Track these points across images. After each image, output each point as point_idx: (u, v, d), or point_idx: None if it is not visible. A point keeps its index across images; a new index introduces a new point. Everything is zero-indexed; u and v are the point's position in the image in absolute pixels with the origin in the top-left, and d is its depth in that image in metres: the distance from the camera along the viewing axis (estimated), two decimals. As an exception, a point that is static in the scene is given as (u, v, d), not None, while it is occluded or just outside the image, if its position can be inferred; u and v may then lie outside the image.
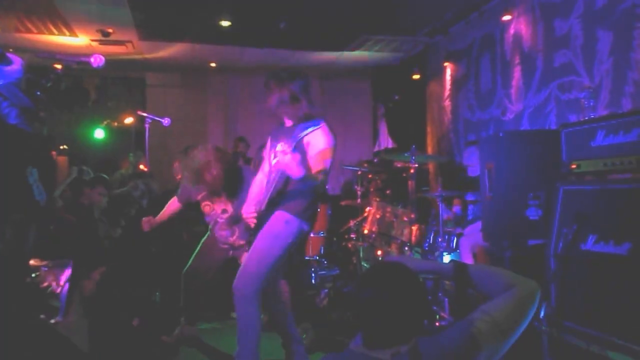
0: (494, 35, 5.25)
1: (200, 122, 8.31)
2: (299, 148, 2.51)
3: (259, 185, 2.91)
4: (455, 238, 4.12)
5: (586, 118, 2.70)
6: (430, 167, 6.59)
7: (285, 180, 2.63)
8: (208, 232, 3.75)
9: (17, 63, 2.57)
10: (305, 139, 2.56)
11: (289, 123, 2.79)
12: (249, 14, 5.56)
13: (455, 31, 6.02)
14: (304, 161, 2.52)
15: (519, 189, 2.98)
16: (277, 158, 2.59)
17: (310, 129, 2.44)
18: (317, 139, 2.59)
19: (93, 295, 3.04)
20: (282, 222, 2.64)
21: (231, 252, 3.69)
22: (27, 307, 2.43)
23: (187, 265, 3.71)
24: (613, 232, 2.27)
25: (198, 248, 3.74)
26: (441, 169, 6.26)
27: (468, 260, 3.87)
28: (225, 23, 5.80)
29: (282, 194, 2.65)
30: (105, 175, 4.99)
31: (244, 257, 3.50)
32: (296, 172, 2.37)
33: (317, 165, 2.58)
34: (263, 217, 2.67)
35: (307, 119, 2.64)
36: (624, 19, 3.57)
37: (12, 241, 2.28)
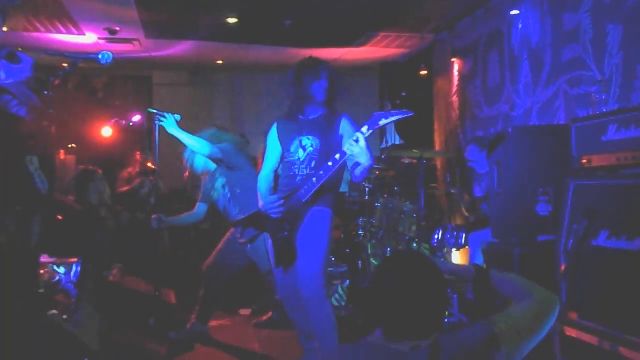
0: (502, 30, 5.21)
1: (207, 120, 8.29)
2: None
3: (268, 181, 2.91)
4: (464, 234, 4.10)
5: (597, 112, 2.67)
6: (438, 163, 6.57)
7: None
8: (231, 229, 3.72)
9: (26, 62, 2.58)
10: (347, 130, 2.68)
11: (313, 114, 2.82)
12: (256, 11, 5.55)
13: (462, 27, 5.99)
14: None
15: (528, 185, 2.95)
16: (307, 152, 2.71)
17: (395, 117, 2.42)
18: (351, 129, 2.69)
19: (102, 292, 3.05)
20: (324, 218, 2.69)
21: None
22: (35, 302, 2.42)
23: (210, 262, 3.66)
24: (625, 228, 2.24)
25: (221, 245, 3.71)
26: (449, 166, 6.23)
27: (477, 257, 3.85)
28: (232, 20, 5.80)
29: (321, 187, 2.64)
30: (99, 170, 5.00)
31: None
32: (370, 160, 2.42)
33: None
34: (298, 213, 2.67)
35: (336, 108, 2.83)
36: (634, 12, 3.53)
37: (16, 234, 2.25)
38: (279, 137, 2.87)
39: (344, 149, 2.46)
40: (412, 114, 2.42)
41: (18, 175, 2.29)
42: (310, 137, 2.75)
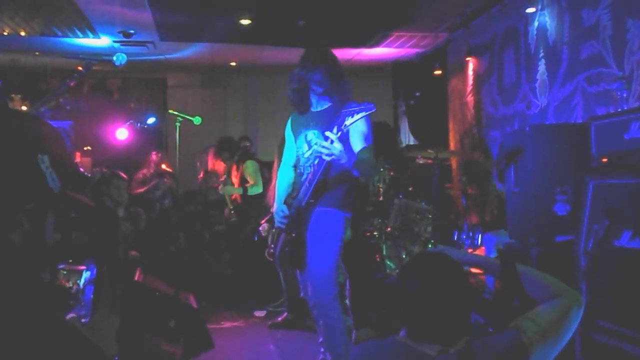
0: (518, 28, 5.14)
1: (221, 122, 8.35)
2: (343, 135, 2.39)
3: (286, 179, 2.83)
4: (480, 234, 4.05)
5: (618, 110, 2.61)
6: (453, 163, 6.51)
7: (325, 171, 2.52)
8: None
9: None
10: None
11: (320, 105, 2.68)
12: (269, 13, 5.55)
13: (477, 25, 5.92)
14: (349, 147, 2.45)
15: (546, 184, 2.90)
16: (312, 149, 2.55)
17: (360, 115, 2.27)
18: (360, 124, 2.46)
19: (120, 293, 3.05)
20: (328, 219, 2.57)
21: None
22: (52, 304, 2.41)
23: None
24: (649, 228, 2.18)
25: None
26: (464, 166, 6.17)
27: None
28: (245, 22, 5.80)
29: (321, 187, 2.55)
30: (123, 174, 5.03)
31: None
32: (347, 160, 2.34)
33: (360, 146, 2.53)
34: (304, 213, 2.59)
35: (345, 101, 2.57)
36: (655, 8, 3.45)
37: (30, 232, 2.24)
38: (292, 129, 2.79)
39: (319, 152, 2.36)
40: (374, 109, 2.31)
41: (29, 173, 2.28)
42: (315, 132, 2.62)
